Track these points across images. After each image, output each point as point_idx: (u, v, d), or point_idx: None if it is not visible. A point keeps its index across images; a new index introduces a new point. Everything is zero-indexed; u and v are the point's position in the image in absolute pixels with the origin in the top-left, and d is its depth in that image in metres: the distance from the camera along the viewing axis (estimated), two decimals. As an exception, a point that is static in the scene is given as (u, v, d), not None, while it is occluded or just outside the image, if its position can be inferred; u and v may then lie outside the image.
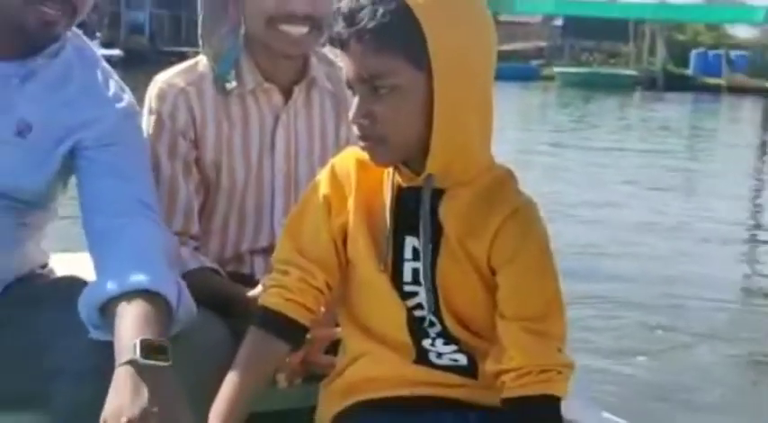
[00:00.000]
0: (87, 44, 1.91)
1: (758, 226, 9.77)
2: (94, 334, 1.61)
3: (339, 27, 1.39)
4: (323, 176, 1.56)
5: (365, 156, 1.49)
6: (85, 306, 1.61)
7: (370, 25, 1.35)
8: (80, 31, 1.94)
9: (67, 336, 1.66)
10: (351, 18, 1.36)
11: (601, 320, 5.07)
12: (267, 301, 1.52)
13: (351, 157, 1.54)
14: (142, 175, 1.81)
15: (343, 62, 1.43)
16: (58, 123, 1.77)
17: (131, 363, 1.45)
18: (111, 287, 1.57)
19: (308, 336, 1.59)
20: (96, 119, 1.80)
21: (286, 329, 1.51)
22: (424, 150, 1.40)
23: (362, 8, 1.35)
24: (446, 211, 1.44)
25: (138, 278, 1.56)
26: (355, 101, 1.41)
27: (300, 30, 1.92)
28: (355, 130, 1.42)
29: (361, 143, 1.43)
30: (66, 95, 1.69)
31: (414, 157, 1.43)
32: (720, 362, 5.04)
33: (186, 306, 1.64)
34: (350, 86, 1.43)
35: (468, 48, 1.39)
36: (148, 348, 1.46)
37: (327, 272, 1.52)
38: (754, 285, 7.09)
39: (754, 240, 8.96)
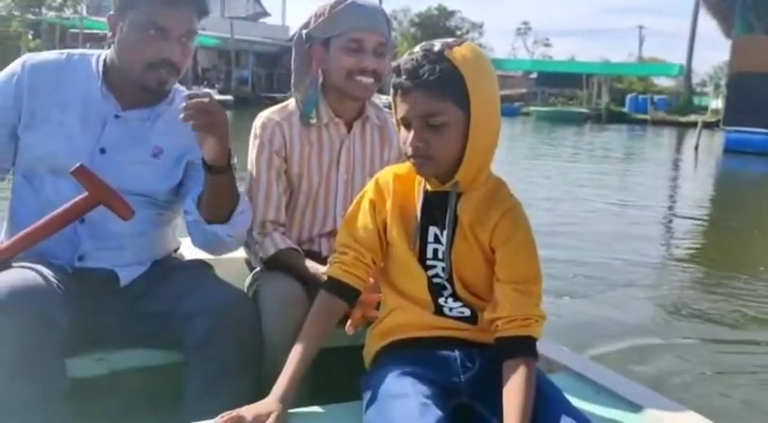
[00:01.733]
0: (182, 91, 1.91)
1: (671, 212, 9.67)
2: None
3: (402, 79, 1.38)
4: (369, 187, 1.55)
5: (401, 171, 1.52)
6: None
7: (431, 79, 1.34)
8: (204, 84, 1.97)
9: (196, 295, 1.69)
10: (414, 73, 1.36)
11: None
12: (332, 272, 1.52)
13: (389, 173, 1.54)
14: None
15: (400, 105, 1.41)
16: (180, 147, 1.80)
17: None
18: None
19: (362, 298, 1.57)
20: None
21: (344, 292, 1.50)
22: (451, 165, 1.41)
23: (423, 66, 1.35)
24: (463, 208, 1.44)
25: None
26: (413, 131, 1.39)
27: (369, 80, 1.94)
28: (410, 151, 1.40)
29: (414, 160, 1.42)
30: (182, 129, 1.68)
31: (443, 171, 1.43)
32: (632, 301, 4.94)
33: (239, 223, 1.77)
34: (406, 122, 1.41)
35: (492, 94, 1.39)
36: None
37: (373, 252, 1.51)
38: (667, 253, 6.97)
39: (667, 223, 8.88)
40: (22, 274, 1.55)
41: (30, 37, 35.04)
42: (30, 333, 1.47)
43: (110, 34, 1.75)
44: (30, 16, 36.28)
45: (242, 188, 1.92)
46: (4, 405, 1.49)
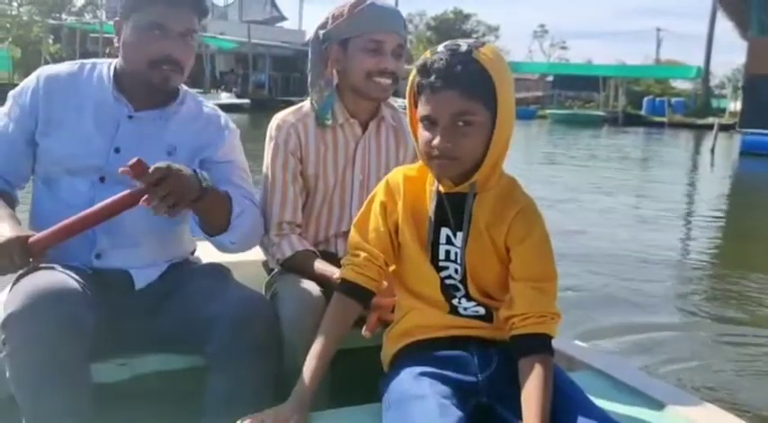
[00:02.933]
0: (200, 98, 1.96)
1: (684, 214, 9.65)
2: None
3: (431, 78, 1.35)
4: (380, 189, 1.54)
5: (411, 172, 1.51)
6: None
7: (463, 79, 1.33)
8: (222, 87, 1.99)
9: (216, 299, 1.69)
10: (446, 72, 1.34)
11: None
12: (345, 274, 1.52)
13: (399, 174, 1.53)
14: (244, 182, 1.88)
15: (426, 104, 1.38)
16: (192, 146, 1.84)
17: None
18: None
19: (377, 301, 1.58)
20: (214, 141, 1.87)
21: (358, 293, 1.50)
22: (471, 166, 1.40)
23: (454, 65, 1.33)
24: (478, 208, 1.43)
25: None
26: (440, 132, 1.36)
27: (388, 81, 1.94)
28: (434, 152, 1.37)
29: (437, 161, 1.39)
30: (195, 128, 1.83)
31: (464, 172, 1.41)
32: (648, 299, 4.92)
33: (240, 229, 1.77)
34: (432, 121, 1.38)
35: (512, 94, 1.39)
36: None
37: (385, 254, 1.51)
38: (679, 253, 6.92)
39: (680, 223, 8.86)
40: (50, 277, 1.56)
41: (50, 41, 35.41)
42: (59, 337, 1.48)
43: (116, 38, 1.81)
44: (51, 21, 36.69)
45: (258, 194, 1.93)
46: (31, 411, 1.50)
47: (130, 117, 1.79)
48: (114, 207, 1.57)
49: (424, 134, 1.40)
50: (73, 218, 1.59)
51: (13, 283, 1.64)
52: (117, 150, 1.76)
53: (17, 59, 33.02)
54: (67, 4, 40.12)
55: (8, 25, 34.60)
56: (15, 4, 35.09)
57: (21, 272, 1.70)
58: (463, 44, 1.36)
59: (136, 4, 1.75)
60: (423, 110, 1.39)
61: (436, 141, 1.36)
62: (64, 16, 39.31)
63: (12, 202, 1.80)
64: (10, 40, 34.25)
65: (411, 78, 1.42)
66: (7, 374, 1.51)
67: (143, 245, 1.79)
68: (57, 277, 1.57)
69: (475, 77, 1.34)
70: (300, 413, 1.36)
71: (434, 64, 1.36)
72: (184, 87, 1.90)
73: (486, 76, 1.34)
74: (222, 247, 1.82)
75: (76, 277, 1.61)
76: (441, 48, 1.38)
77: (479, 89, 1.35)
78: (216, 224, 1.75)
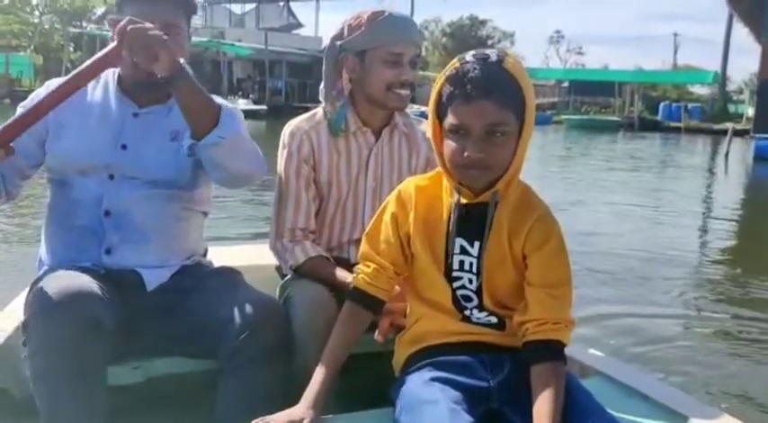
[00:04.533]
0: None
1: (695, 217, 9.57)
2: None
3: (467, 88, 1.33)
4: (391, 200, 1.53)
5: (423, 183, 1.51)
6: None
7: (498, 89, 1.33)
8: (239, 94, 1.98)
9: (229, 304, 1.69)
10: (482, 82, 1.33)
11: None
12: (356, 283, 1.53)
13: (411, 185, 1.52)
14: None
15: (458, 113, 1.35)
16: None
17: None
18: None
19: (389, 307, 1.59)
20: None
21: (368, 302, 1.51)
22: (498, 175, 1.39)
23: (489, 76, 1.33)
24: (498, 217, 1.43)
25: None
26: (473, 141, 1.35)
27: (407, 92, 1.95)
28: (466, 162, 1.36)
29: (470, 171, 1.38)
30: None
31: (492, 181, 1.40)
32: (663, 299, 4.91)
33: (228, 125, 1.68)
34: (464, 131, 1.36)
35: (534, 103, 1.39)
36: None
37: (396, 265, 1.51)
38: (691, 256, 6.87)
39: (689, 227, 8.77)
40: (69, 279, 1.59)
41: (71, 49, 35.75)
42: (79, 338, 1.50)
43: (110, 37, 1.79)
44: (72, 29, 37.04)
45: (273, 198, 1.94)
46: (50, 411, 1.51)
47: (135, 115, 1.82)
48: (82, 75, 1.58)
49: (452, 144, 1.38)
50: (41, 99, 1.60)
51: (32, 286, 1.67)
52: (124, 147, 1.79)
53: (39, 66, 33.39)
54: (87, 12, 40.48)
55: (30, 33, 35.01)
56: (37, 12, 35.48)
57: (39, 274, 1.74)
58: (492, 54, 1.36)
59: (120, 5, 1.80)
60: (454, 119, 1.37)
61: (469, 151, 1.35)
62: (84, 24, 39.68)
63: None
64: (32, 47, 34.65)
65: (438, 88, 1.40)
66: (27, 374, 1.54)
67: (152, 241, 1.80)
68: (76, 279, 1.59)
69: (508, 88, 1.35)
70: (312, 416, 1.37)
71: (468, 73, 1.34)
72: None
73: (516, 86, 1.35)
74: (211, 151, 1.67)
75: (92, 279, 1.63)
76: (470, 57, 1.37)
77: (512, 99, 1.35)
78: (205, 120, 1.66)
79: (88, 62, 1.60)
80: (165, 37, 1.58)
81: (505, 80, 1.35)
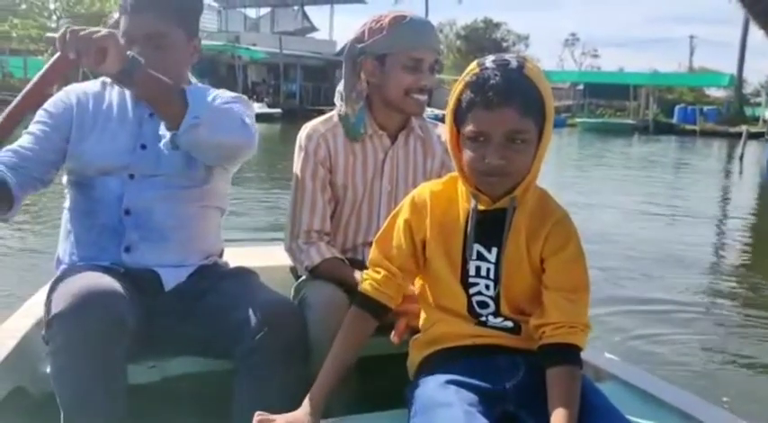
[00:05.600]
0: (199, 84, 1.94)
1: (722, 219, 9.66)
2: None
3: (488, 94, 1.32)
4: (404, 206, 1.52)
5: (437, 188, 1.50)
6: None
7: (519, 96, 1.32)
8: (254, 97, 1.98)
9: (245, 304, 1.69)
10: (503, 89, 1.32)
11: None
12: (364, 288, 1.51)
13: (426, 191, 1.51)
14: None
15: (479, 120, 1.34)
16: None
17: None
18: None
19: (406, 308, 1.58)
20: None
21: (374, 308, 1.50)
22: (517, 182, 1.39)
23: (510, 83, 1.32)
24: (516, 222, 1.42)
25: None
26: (493, 148, 1.34)
27: (424, 97, 1.96)
28: (487, 168, 1.35)
29: (489, 178, 1.37)
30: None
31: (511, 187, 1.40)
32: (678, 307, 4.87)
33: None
34: (484, 137, 1.35)
35: (553, 109, 1.38)
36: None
37: (406, 272, 1.51)
38: (719, 250, 6.94)
39: (716, 224, 8.93)
40: (91, 278, 1.60)
41: (88, 53, 35.95)
42: (102, 337, 1.51)
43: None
44: (89, 34, 37.29)
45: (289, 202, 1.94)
46: (71, 409, 1.53)
47: (151, 114, 1.83)
48: (46, 76, 1.54)
49: (472, 151, 1.37)
50: (15, 102, 1.54)
51: (53, 284, 1.68)
52: (143, 147, 1.82)
53: (56, 71, 33.58)
54: (104, 17, 40.84)
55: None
56: (55, 17, 35.80)
57: (58, 273, 1.75)
58: (512, 60, 1.36)
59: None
60: (474, 126, 1.35)
61: (489, 158, 1.35)
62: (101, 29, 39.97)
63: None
64: (49, 51, 34.98)
65: (456, 94, 1.39)
66: (45, 372, 1.55)
67: (171, 240, 1.82)
68: (99, 278, 1.60)
69: (529, 95, 1.34)
70: (311, 419, 1.38)
71: (489, 80, 1.33)
72: (196, 83, 1.93)
73: (536, 93, 1.35)
74: (192, 133, 1.61)
75: (114, 278, 1.64)
76: (490, 63, 1.36)
77: (533, 106, 1.34)
78: (173, 109, 1.60)
79: (36, 77, 1.55)
80: (112, 32, 1.52)
81: (526, 87, 1.34)
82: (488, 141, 1.35)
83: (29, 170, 1.73)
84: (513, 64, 1.35)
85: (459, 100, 1.39)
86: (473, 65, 1.38)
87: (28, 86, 1.55)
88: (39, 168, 1.77)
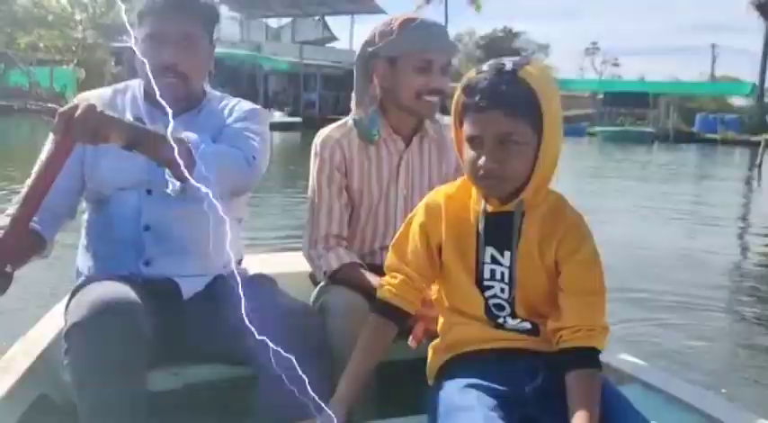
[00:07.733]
0: (221, 98, 1.96)
1: (743, 224, 9.61)
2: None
3: (476, 98, 1.33)
4: (419, 210, 1.52)
5: (451, 191, 1.49)
6: None
7: (508, 99, 1.31)
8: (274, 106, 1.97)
9: (265, 311, 1.67)
10: (491, 92, 1.32)
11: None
12: (381, 294, 1.51)
13: (440, 194, 1.51)
14: (241, 142, 1.79)
15: (472, 124, 1.36)
16: (217, 127, 1.84)
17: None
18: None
19: (424, 312, 1.57)
20: (231, 113, 1.88)
21: (393, 314, 1.49)
22: (517, 185, 1.38)
23: (499, 85, 1.32)
24: (527, 226, 1.41)
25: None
26: (486, 152, 1.34)
27: (435, 99, 1.95)
28: (480, 172, 1.35)
29: (484, 182, 1.37)
30: (221, 115, 1.86)
31: (510, 191, 1.39)
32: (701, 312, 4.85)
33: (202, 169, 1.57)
34: (478, 141, 1.35)
35: (559, 112, 1.37)
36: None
37: (423, 276, 1.50)
38: (744, 262, 6.91)
39: (740, 230, 8.93)
40: (110, 288, 1.60)
41: (113, 63, 36.43)
42: (120, 345, 1.51)
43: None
44: (114, 44, 37.77)
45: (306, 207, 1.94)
46: (91, 418, 1.53)
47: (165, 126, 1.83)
48: (51, 167, 1.47)
49: (470, 153, 1.38)
50: (22, 196, 1.49)
51: (72, 294, 1.69)
52: None
53: (81, 80, 34.07)
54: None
55: (74, 48, 35.78)
56: (80, 27, 36.23)
57: (78, 283, 1.75)
58: (508, 63, 1.34)
59: (138, 20, 1.81)
60: (468, 129, 1.37)
61: (482, 161, 1.35)
62: (125, 39, 40.42)
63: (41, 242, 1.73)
64: (76, 61, 35.40)
65: (456, 98, 1.41)
66: (67, 380, 1.56)
67: (191, 252, 1.81)
68: (117, 288, 1.61)
69: (519, 97, 1.32)
70: None
71: (479, 84, 1.34)
72: (211, 91, 1.93)
73: (530, 96, 1.32)
74: (203, 183, 1.56)
75: (131, 288, 1.64)
76: (485, 67, 1.37)
77: (524, 109, 1.33)
78: (177, 162, 1.52)
79: (39, 166, 1.51)
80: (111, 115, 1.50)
81: (518, 90, 1.32)
82: (482, 145, 1.35)
83: (52, 207, 1.70)
84: (508, 67, 1.33)
85: (457, 103, 1.41)
86: (472, 70, 1.39)
87: (36, 173, 1.50)
88: (62, 203, 1.78)
